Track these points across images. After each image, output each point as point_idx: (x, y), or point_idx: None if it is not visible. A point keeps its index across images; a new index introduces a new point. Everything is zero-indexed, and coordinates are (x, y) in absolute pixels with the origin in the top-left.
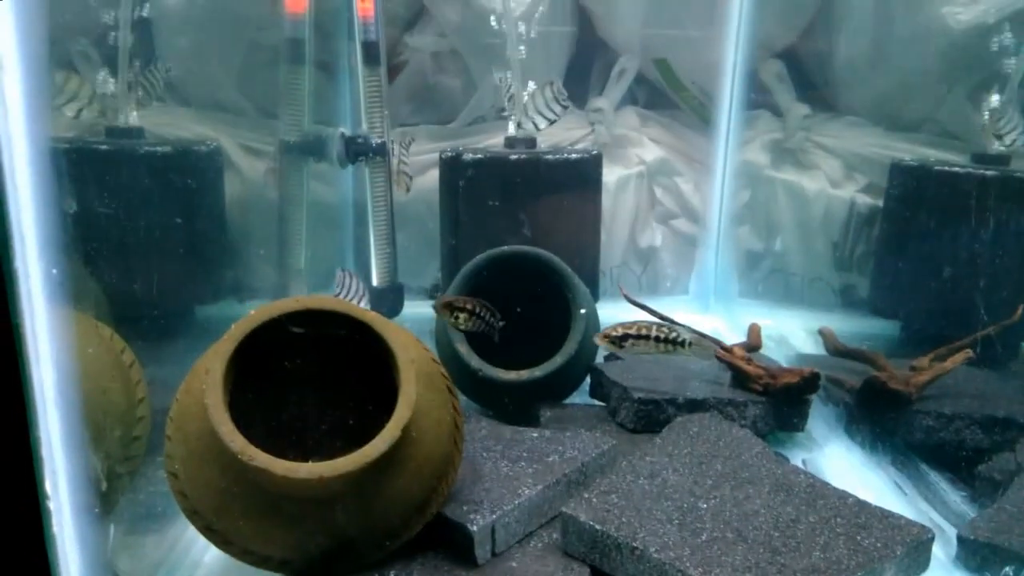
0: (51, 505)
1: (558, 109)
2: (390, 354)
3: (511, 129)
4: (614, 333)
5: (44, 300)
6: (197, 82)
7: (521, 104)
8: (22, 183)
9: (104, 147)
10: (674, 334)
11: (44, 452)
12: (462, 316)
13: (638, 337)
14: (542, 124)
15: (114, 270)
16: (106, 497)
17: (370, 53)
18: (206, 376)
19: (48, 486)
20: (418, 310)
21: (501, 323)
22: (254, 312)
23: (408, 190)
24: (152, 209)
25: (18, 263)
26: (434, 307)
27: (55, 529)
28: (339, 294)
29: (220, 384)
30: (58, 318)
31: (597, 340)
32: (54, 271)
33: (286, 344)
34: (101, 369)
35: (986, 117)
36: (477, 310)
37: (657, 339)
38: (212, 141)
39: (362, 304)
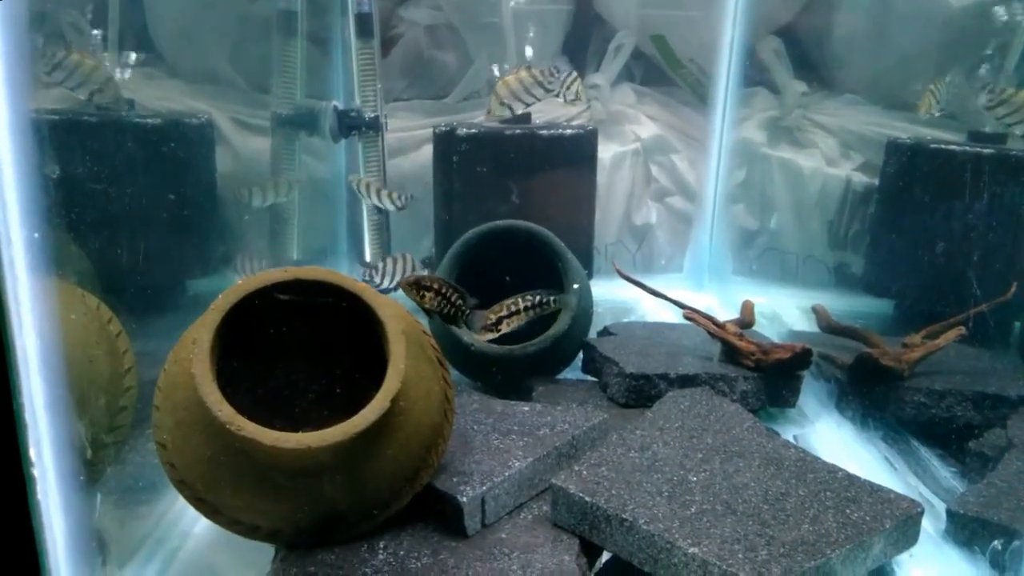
0: (35, 472)
1: (540, 93)
2: (380, 325)
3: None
4: (489, 322)
5: (26, 265)
6: (188, 54)
7: (507, 89)
8: (2, 146)
9: (92, 118)
10: (537, 298)
11: (28, 418)
12: (428, 295)
13: (511, 315)
14: (518, 109)
15: (102, 241)
16: (92, 465)
17: (363, 25)
18: (193, 346)
19: (32, 453)
20: None
21: (474, 303)
22: (241, 282)
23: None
24: (141, 181)
25: None
26: (400, 285)
27: (39, 496)
28: (378, 283)
29: (207, 354)
30: (41, 284)
31: (482, 339)
32: (36, 235)
33: (275, 314)
34: (87, 337)
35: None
36: (443, 290)
37: (526, 308)
38: (203, 114)
39: None
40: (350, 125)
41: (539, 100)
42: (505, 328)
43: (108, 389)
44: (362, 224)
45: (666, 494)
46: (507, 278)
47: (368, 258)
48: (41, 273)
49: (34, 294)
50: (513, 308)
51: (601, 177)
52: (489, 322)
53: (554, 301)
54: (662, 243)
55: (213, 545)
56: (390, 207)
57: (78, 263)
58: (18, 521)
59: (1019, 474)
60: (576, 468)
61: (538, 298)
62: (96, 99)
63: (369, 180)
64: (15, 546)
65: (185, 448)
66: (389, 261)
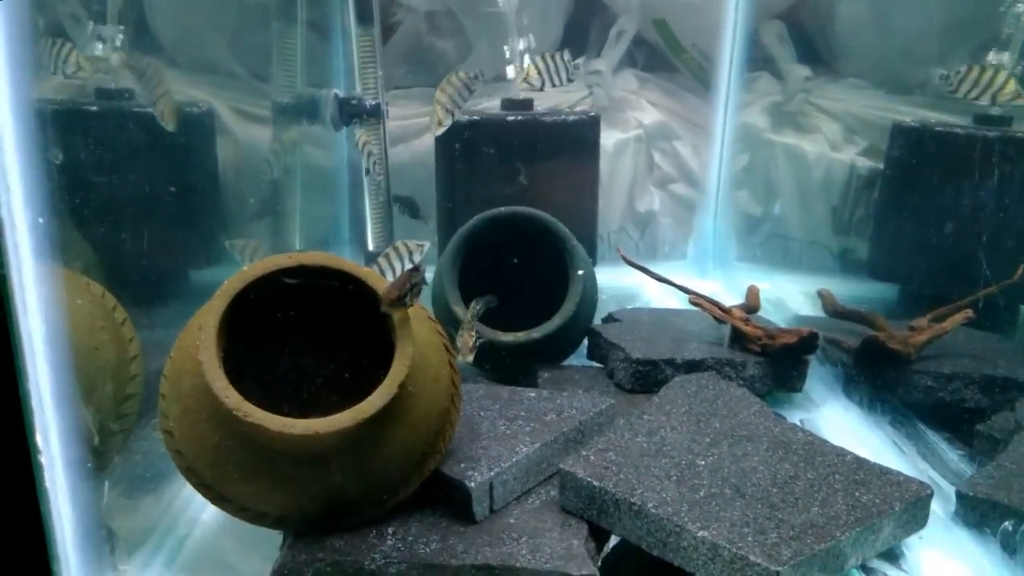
0: (43, 459)
1: (466, 95)
2: None
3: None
4: (470, 341)
5: (31, 250)
6: (187, 43)
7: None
8: (5, 131)
9: (94, 107)
10: (479, 306)
11: (35, 406)
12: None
13: (472, 329)
14: (458, 113)
15: (105, 230)
16: (99, 452)
17: (363, 12)
18: (200, 332)
19: (39, 440)
20: None
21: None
22: (247, 268)
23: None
24: (143, 170)
25: (3, 211)
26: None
27: (47, 484)
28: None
29: (214, 340)
30: (46, 269)
31: (468, 359)
32: (40, 220)
33: (281, 300)
34: (92, 324)
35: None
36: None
37: (474, 318)
38: (204, 103)
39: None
40: (351, 113)
41: (466, 102)
42: (478, 342)
43: (115, 376)
44: (365, 212)
45: (674, 478)
46: (513, 266)
47: (371, 246)
48: (46, 258)
49: (39, 279)
50: (471, 323)
51: (603, 164)
52: (470, 342)
53: (487, 303)
54: (665, 230)
55: (221, 532)
56: (364, 167)
57: (82, 251)
58: (26, 509)
59: None
60: (584, 453)
61: (479, 307)
62: (158, 107)
63: (368, 139)
64: (24, 534)
65: (192, 435)
66: (382, 260)
